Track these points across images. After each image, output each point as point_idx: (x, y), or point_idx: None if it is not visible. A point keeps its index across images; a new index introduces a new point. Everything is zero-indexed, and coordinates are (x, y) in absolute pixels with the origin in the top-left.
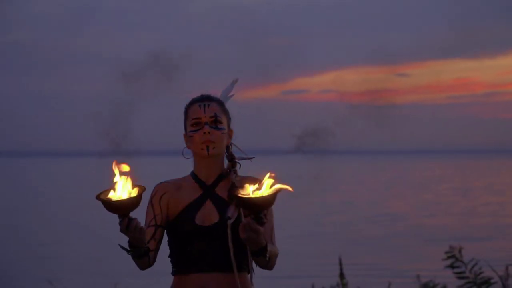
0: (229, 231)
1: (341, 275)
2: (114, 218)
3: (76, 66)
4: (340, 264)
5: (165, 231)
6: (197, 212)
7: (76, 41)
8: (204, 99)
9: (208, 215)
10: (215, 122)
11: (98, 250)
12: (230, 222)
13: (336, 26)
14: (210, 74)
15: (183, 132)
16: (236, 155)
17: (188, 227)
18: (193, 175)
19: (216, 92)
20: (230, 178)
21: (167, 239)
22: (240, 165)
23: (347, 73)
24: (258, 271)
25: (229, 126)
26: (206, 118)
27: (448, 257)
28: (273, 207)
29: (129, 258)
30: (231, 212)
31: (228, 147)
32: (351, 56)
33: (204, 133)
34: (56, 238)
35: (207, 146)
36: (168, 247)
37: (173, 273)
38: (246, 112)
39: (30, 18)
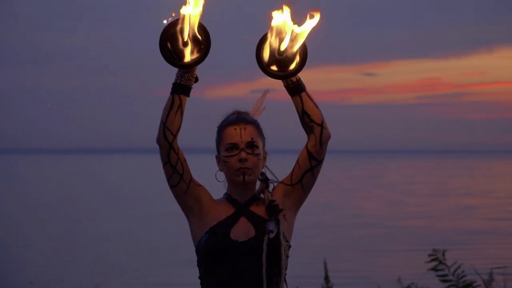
0: (265, 247)
1: (326, 278)
2: (97, 218)
3: None
4: (325, 267)
5: (195, 250)
6: (231, 228)
7: None
8: (240, 122)
9: (243, 230)
10: (251, 147)
11: (79, 251)
12: (272, 235)
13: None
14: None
15: (215, 153)
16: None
17: (221, 243)
18: (226, 195)
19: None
20: (266, 197)
21: (196, 258)
22: (273, 186)
23: (315, 72)
24: None
25: (264, 148)
26: (242, 143)
27: (432, 260)
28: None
29: (111, 258)
30: (272, 226)
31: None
32: (318, 55)
33: (240, 159)
34: (36, 238)
35: (243, 173)
36: (197, 268)
37: None
38: (214, 111)
39: None
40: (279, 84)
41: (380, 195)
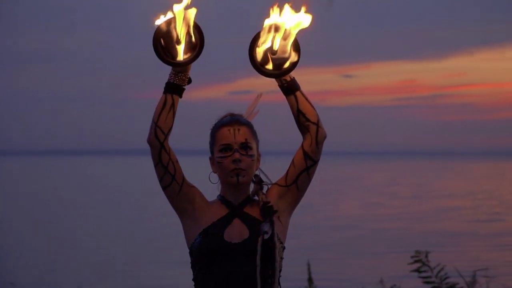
0: (259, 248)
1: (310, 280)
2: (80, 219)
3: None
4: (309, 269)
5: (189, 252)
6: (224, 229)
7: None
8: (234, 123)
9: (237, 232)
10: (245, 149)
11: (62, 252)
12: (266, 237)
13: None
14: (155, 73)
15: (209, 155)
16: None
17: (215, 244)
18: (220, 197)
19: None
20: (260, 199)
21: (189, 260)
22: (268, 187)
23: (293, 74)
24: None
25: (257, 149)
26: (236, 144)
27: (415, 262)
28: None
29: (94, 259)
30: (267, 228)
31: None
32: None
33: (234, 160)
34: (17, 239)
35: (237, 175)
36: (191, 270)
37: None
38: (192, 112)
39: None
40: (255, 85)
41: (360, 197)
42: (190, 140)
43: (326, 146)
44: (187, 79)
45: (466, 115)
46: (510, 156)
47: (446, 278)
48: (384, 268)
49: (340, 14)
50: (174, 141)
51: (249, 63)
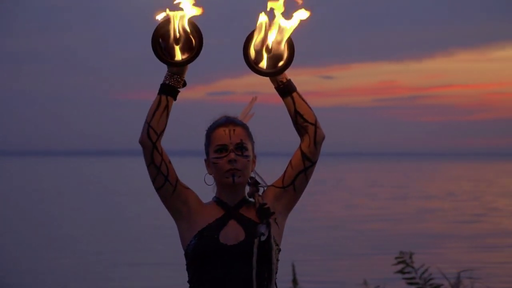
0: (255, 250)
1: (294, 281)
2: (66, 220)
3: None
4: (293, 270)
5: (184, 254)
6: (220, 231)
7: None
8: (229, 124)
9: (233, 233)
10: (241, 149)
11: (47, 251)
12: (263, 238)
13: None
14: (130, 74)
15: (204, 157)
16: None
17: (211, 246)
18: (215, 198)
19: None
20: (256, 200)
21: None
22: (263, 190)
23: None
24: None
25: (253, 151)
26: (231, 145)
27: (399, 263)
28: None
29: (79, 260)
30: (264, 229)
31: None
32: None
33: (230, 160)
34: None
35: (233, 175)
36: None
37: None
38: (171, 113)
39: None
40: (234, 87)
41: (341, 198)
42: (168, 141)
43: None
44: (182, 81)
45: (446, 116)
46: (490, 157)
47: (430, 279)
48: (367, 270)
49: (319, 15)
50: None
51: (237, 62)
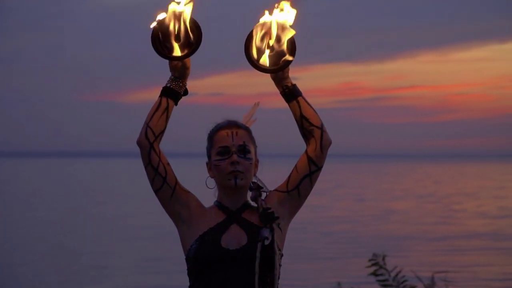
0: (258, 255)
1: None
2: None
3: None
4: None
5: (185, 258)
6: (222, 235)
7: None
8: (232, 126)
9: (235, 238)
10: (243, 152)
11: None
12: (267, 243)
13: (223, 30)
14: (96, 75)
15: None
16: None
17: (212, 251)
18: (217, 202)
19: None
20: (259, 205)
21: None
22: (266, 194)
23: (235, 77)
24: None
25: (255, 154)
26: (234, 147)
27: (372, 265)
28: None
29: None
30: (267, 233)
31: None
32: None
33: (232, 162)
34: None
35: (235, 177)
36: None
37: None
38: (134, 115)
39: None
40: (197, 88)
41: (309, 199)
42: (129, 141)
43: (265, 148)
44: (184, 87)
45: (409, 117)
46: (452, 158)
47: (404, 281)
48: (340, 272)
49: None
50: (114, 145)
51: (199, 62)
